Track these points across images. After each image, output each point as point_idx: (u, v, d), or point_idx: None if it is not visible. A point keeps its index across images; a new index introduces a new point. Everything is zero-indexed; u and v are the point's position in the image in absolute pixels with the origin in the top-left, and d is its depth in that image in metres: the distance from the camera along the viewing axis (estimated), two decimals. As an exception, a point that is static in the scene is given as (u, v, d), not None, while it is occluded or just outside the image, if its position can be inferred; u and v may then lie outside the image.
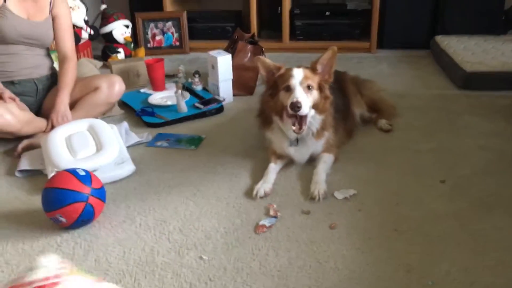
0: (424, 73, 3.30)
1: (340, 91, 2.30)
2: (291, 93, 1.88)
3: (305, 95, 1.88)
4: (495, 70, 2.90)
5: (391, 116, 2.50)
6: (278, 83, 1.95)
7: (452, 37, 3.53)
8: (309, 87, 1.90)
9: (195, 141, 2.36)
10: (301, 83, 1.89)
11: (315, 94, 1.93)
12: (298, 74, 1.90)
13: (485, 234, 1.61)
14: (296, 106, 1.83)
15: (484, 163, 2.07)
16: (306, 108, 1.86)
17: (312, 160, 2.07)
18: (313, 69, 1.95)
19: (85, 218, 1.68)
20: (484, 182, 1.92)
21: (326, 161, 2.02)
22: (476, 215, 1.71)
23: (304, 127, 1.91)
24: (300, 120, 1.90)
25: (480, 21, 3.61)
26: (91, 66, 3.06)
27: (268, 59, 2.02)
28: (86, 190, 1.66)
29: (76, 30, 3.47)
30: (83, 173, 1.71)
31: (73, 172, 1.71)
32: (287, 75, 1.91)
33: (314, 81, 1.92)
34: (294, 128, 1.91)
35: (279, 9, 3.84)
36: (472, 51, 3.20)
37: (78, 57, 3.16)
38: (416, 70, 3.37)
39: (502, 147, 2.19)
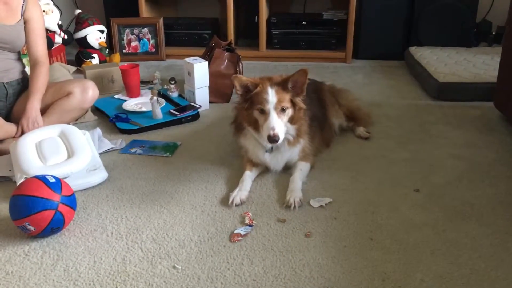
0: (398, 83, 3.34)
1: (317, 101, 2.30)
2: (266, 117, 1.88)
3: (279, 120, 1.87)
4: (467, 81, 2.96)
5: (367, 124, 2.52)
6: (253, 101, 1.92)
7: (425, 48, 3.60)
8: (283, 109, 1.89)
9: (170, 148, 2.33)
10: (275, 108, 1.88)
11: (289, 112, 1.92)
12: (272, 98, 1.87)
13: (459, 242, 1.62)
14: (273, 139, 1.84)
15: (457, 172, 2.09)
16: (282, 136, 1.87)
17: (288, 168, 2.07)
18: (284, 86, 1.92)
19: (55, 227, 1.63)
20: (457, 191, 1.94)
21: (302, 169, 2.01)
22: (451, 224, 1.72)
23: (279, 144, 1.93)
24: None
25: (453, 33, 3.69)
26: (64, 71, 2.99)
27: (244, 77, 1.97)
28: (56, 197, 1.61)
29: (49, 34, 3.40)
30: (53, 180, 1.66)
31: (42, 179, 1.66)
32: (262, 97, 1.88)
33: (287, 100, 1.91)
34: (268, 146, 1.96)
35: (256, 17, 3.85)
36: (445, 62, 3.26)
37: (51, 62, 3.10)
38: (390, 80, 3.41)
39: (475, 157, 2.23)
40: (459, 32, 3.69)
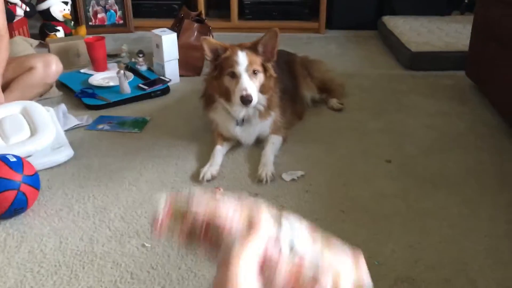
0: (371, 54, 3.32)
1: (289, 73, 2.27)
2: (237, 80, 1.83)
3: (251, 82, 1.83)
4: (440, 50, 2.95)
5: (340, 95, 2.50)
6: (223, 66, 1.88)
7: (398, 17, 3.56)
8: (254, 72, 1.85)
9: (139, 123, 2.27)
10: (247, 70, 1.83)
11: (260, 77, 1.88)
12: (243, 60, 1.83)
13: (430, 212, 1.63)
14: (247, 100, 1.79)
15: (429, 142, 2.10)
16: (256, 98, 1.83)
17: (260, 142, 2.03)
18: (254, 50, 1.88)
19: (18, 207, 1.57)
20: (429, 161, 1.94)
21: (274, 143, 1.99)
22: (421, 194, 1.73)
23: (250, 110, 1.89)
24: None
25: (426, 2, 3.66)
26: (26, 45, 2.87)
27: (213, 39, 1.93)
28: (17, 177, 1.55)
29: (10, 6, 3.24)
30: (14, 159, 1.60)
31: (2, 158, 1.59)
32: (232, 60, 1.84)
33: (258, 64, 1.87)
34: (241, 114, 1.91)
35: (227, -13, 3.75)
36: (418, 32, 3.24)
37: (13, 36, 2.96)
38: (364, 51, 3.38)
39: (447, 127, 2.23)
40: (432, 1, 3.67)
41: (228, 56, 1.86)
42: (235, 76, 1.84)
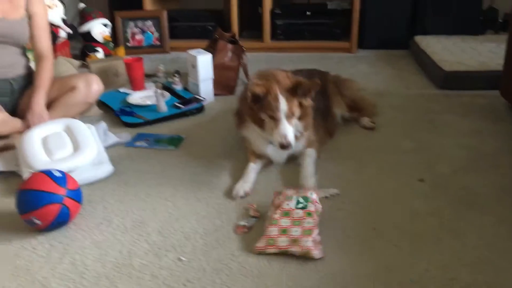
0: (403, 73, 3.32)
1: (321, 92, 2.29)
2: (276, 124, 1.86)
3: (290, 127, 1.87)
4: (473, 70, 2.93)
5: (372, 114, 2.51)
6: (263, 105, 1.88)
7: (431, 37, 3.56)
8: (293, 114, 1.88)
9: (175, 141, 2.34)
10: (286, 116, 1.86)
11: (297, 113, 1.91)
12: (283, 106, 1.85)
13: (464, 232, 1.62)
14: (286, 147, 1.84)
15: (462, 161, 2.09)
16: (294, 143, 1.86)
17: (292, 159, 2.06)
18: (293, 93, 1.89)
19: (61, 220, 1.65)
20: (462, 180, 1.93)
21: (310, 155, 2.02)
22: (455, 213, 1.72)
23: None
24: None
25: (459, 21, 3.65)
26: (69, 65, 3.00)
27: (257, 86, 1.89)
28: (61, 191, 1.63)
29: (53, 28, 3.41)
30: (58, 174, 1.68)
31: (48, 173, 1.68)
32: (272, 105, 1.85)
33: (297, 105, 1.89)
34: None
35: (259, 8, 3.83)
36: (451, 51, 3.24)
37: (56, 57, 3.11)
38: (395, 70, 3.39)
39: (481, 146, 2.22)
40: (465, 20, 3.65)
41: (268, 99, 1.87)
42: (274, 119, 1.87)
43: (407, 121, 2.52)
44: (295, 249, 1.50)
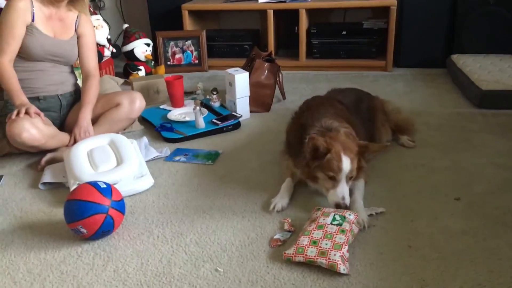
0: (440, 91, 3.31)
1: (370, 120, 2.32)
2: (334, 184, 1.82)
3: (347, 187, 1.83)
4: (511, 89, 2.90)
5: (410, 133, 2.52)
6: (323, 164, 1.82)
7: (468, 55, 3.54)
8: (353, 175, 1.85)
9: (212, 156, 2.41)
10: (347, 177, 1.83)
11: (355, 173, 1.87)
12: (346, 168, 1.80)
13: (500, 251, 1.61)
14: (342, 207, 1.79)
15: (499, 181, 2.07)
16: (348, 203, 1.81)
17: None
18: (360, 154, 1.88)
19: (105, 230, 1.73)
20: (499, 200, 1.92)
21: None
22: (491, 233, 1.71)
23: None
24: None
25: (497, 40, 3.61)
26: (113, 83, 3.14)
27: (320, 139, 1.84)
28: (106, 202, 1.71)
29: (99, 48, 3.57)
30: (104, 186, 1.77)
31: (94, 184, 1.76)
32: (335, 166, 1.80)
33: (357, 164, 1.86)
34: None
35: (296, 28, 3.90)
36: (488, 70, 3.21)
37: (101, 74, 3.25)
38: (431, 89, 3.38)
39: (518, 166, 2.19)
40: (503, 39, 3.61)
41: (330, 159, 1.81)
42: (333, 179, 1.82)
43: (443, 140, 2.51)
44: (322, 260, 1.53)
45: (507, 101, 2.88)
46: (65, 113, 2.58)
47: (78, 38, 2.53)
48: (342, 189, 1.82)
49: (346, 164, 1.81)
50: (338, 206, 1.80)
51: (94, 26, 3.42)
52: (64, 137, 2.41)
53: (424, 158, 2.31)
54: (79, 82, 2.71)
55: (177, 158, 2.41)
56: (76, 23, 2.50)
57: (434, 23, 3.71)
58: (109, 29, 3.82)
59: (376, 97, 2.56)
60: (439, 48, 3.77)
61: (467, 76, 3.17)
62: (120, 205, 1.77)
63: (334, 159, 1.81)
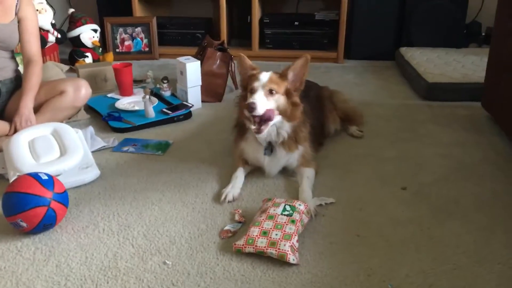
0: (389, 83, 3.39)
1: (318, 108, 2.32)
2: (253, 95, 1.87)
3: (264, 98, 1.86)
4: (456, 82, 3.00)
5: (360, 124, 2.56)
6: (248, 83, 1.94)
7: (415, 49, 3.64)
8: (271, 91, 1.88)
9: (162, 146, 2.36)
10: (263, 86, 1.87)
11: (279, 99, 1.89)
12: (263, 77, 1.90)
13: (444, 239, 1.66)
14: (250, 107, 1.82)
15: (444, 171, 2.14)
16: (260, 110, 1.83)
17: (284, 172, 2.07)
18: (282, 75, 1.93)
19: (47, 223, 1.65)
20: (443, 190, 1.98)
21: (309, 177, 1.98)
22: (436, 221, 1.76)
23: (264, 129, 1.88)
24: (260, 121, 1.88)
25: (443, 34, 3.74)
26: (57, 70, 3.01)
27: (248, 60, 2.02)
28: (48, 194, 1.64)
29: (43, 33, 3.41)
30: (45, 177, 1.69)
31: (35, 176, 1.68)
32: (255, 77, 1.91)
33: (279, 86, 1.90)
34: (253, 128, 1.89)
35: (248, 17, 3.88)
36: (434, 63, 3.31)
37: (44, 61, 3.11)
38: (381, 80, 3.46)
39: (462, 156, 2.27)
40: (449, 33, 3.74)
41: (253, 74, 1.94)
42: (253, 91, 1.88)
43: (391, 131, 2.57)
44: (272, 251, 1.52)
45: (451, 93, 2.98)
46: (4, 101, 2.45)
47: (18, 22, 2.40)
48: (256, 96, 1.85)
49: (264, 75, 1.91)
50: (248, 108, 1.83)
51: (37, 10, 3.28)
52: (3, 126, 2.29)
53: (373, 148, 2.35)
54: (21, 68, 2.57)
55: (125, 149, 2.33)
56: (16, 6, 2.37)
57: (384, 16, 3.79)
58: (54, 13, 3.65)
59: (325, 87, 2.59)
60: (389, 41, 3.86)
61: (415, 68, 3.25)
62: (63, 198, 1.70)
63: (256, 73, 1.94)
